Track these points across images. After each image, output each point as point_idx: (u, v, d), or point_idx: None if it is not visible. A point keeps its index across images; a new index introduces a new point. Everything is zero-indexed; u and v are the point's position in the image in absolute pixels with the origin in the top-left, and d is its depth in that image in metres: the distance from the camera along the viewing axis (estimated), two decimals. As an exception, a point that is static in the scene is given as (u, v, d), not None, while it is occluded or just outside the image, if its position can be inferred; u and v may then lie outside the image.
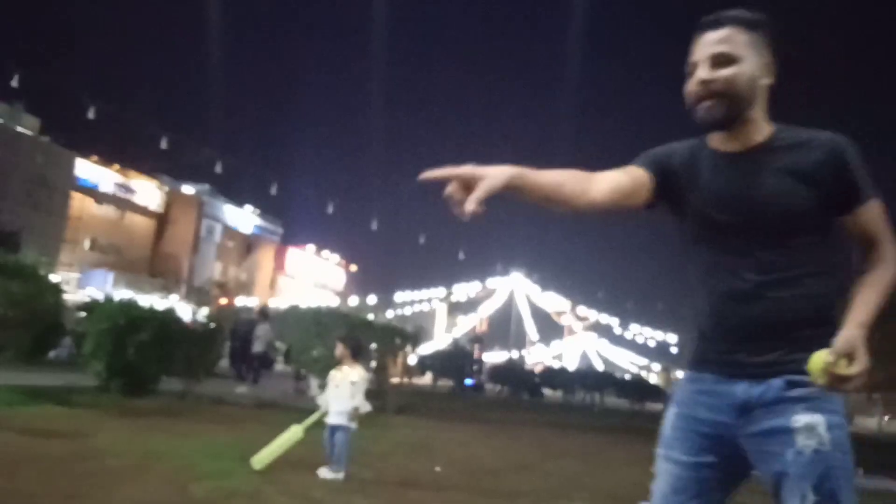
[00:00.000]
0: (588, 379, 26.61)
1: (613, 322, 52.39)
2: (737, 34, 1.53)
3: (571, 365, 48.11)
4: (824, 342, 1.42)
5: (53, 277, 9.94)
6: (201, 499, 4.04)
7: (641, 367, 63.19)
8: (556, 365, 40.28)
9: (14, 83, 16.41)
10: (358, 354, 5.44)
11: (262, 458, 4.86)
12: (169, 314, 10.11)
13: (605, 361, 65.51)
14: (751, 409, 1.52)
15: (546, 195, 1.45)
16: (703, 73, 1.53)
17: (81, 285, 36.69)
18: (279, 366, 25.10)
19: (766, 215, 1.53)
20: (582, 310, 55.37)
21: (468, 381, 21.17)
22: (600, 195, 1.54)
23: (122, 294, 13.56)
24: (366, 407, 5.21)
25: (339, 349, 5.29)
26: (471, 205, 1.28)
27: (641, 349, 59.73)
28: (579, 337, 67.96)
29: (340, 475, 4.98)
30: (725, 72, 1.51)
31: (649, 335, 50.46)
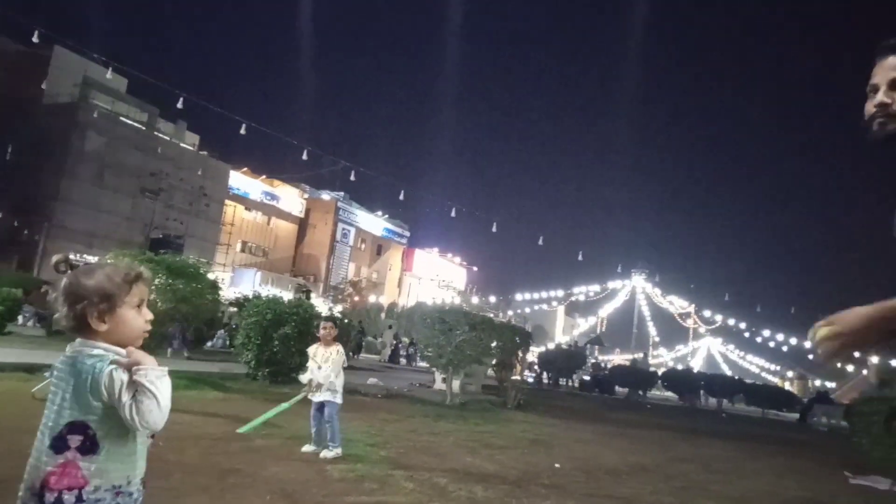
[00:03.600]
0: (714, 383, 24.92)
1: (741, 326, 48.68)
2: None
3: (696, 368, 45.47)
4: None
5: (211, 276, 11.02)
6: (337, 479, 4.41)
7: (773, 374, 58.43)
8: (678, 367, 38.14)
9: (179, 105, 18.42)
10: (340, 335, 5.67)
11: (249, 426, 5.15)
12: (309, 310, 10.85)
13: (733, 366, 61.38)
14: None
15: None
16: (881, 96, 1.60)
17: (233, 283, 40.30)
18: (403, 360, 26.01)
19: None
20: (707, 313, 52.09)
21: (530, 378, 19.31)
22: None
23: (267, 291, 14.75)
24: (341, 380, 5.43)
25: (327, 329, 5.48)
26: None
27: (774, 354, 55.17)
28: (705, 340, 64.30)
29: (339, 451, 5.16)
30: None
31: (782, 340, 46.30)
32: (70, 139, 35.52)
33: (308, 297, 11.89)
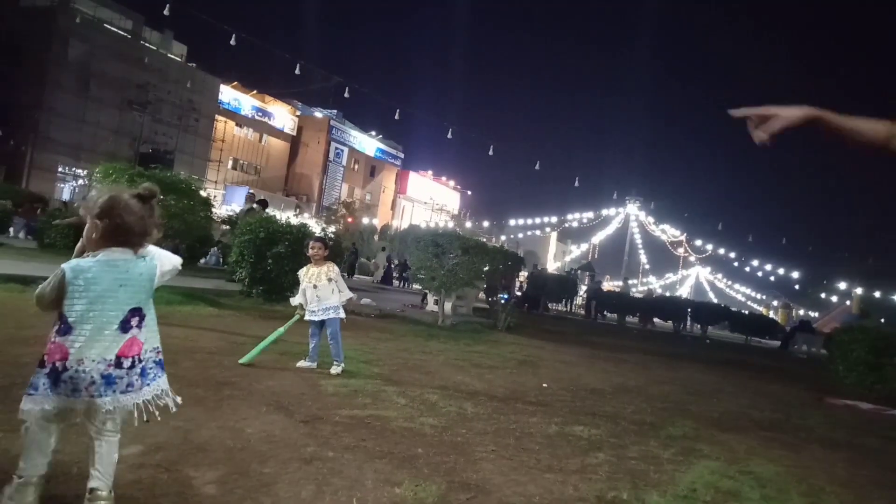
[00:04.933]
0: (701, 311, 25.47)
1: (731, 255, 49.44)
2: None
3: (684, 295, 46.36)
4: None
5: (202, 193, 10.89)
6: (331, 393, 4.53)
7: (759, 302, 59.92)
8: (667, 294, 38.99)
9: (165, 12, 17.59)
10: (331, 254, 5.66)
11: (248, 356, 5.19)
12: (302, 229, 10.82)
13: (720, 294, 62.95)
14: None
15: (846, 133, 1.64)
16: None
17: (225, 201, 40.07)
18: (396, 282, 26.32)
19: None
20: (699, 242, 52.76)
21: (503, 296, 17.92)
22: None
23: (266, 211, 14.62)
24: (350, 294, 5.58)
25: (315, 249, 5.48)
26: (763, 134, 1.62)
27: (760, 283, 56.41)
28: (694, 269, 65.60)
29: (343, 366, 5.34)
30: None
31: (770, 270, 47.08)
32: (51, 46, 34.17)
33: (264, 208, 11.59)
